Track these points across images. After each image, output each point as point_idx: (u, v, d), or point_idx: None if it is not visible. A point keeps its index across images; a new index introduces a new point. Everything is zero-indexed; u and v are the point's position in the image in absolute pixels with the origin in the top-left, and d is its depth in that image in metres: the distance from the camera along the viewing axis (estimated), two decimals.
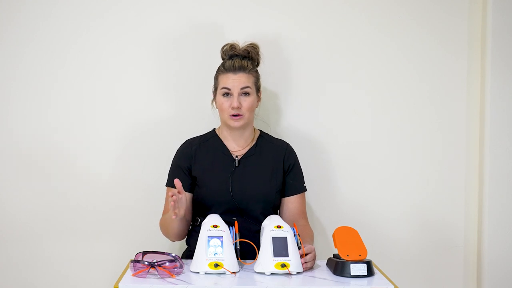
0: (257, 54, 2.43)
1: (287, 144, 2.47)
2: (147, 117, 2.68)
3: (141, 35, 2.67)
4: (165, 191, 2.41)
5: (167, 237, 2.38)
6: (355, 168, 2.71)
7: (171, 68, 2.68)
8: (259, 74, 2.41)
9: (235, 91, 2.32)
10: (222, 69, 2.37)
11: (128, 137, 2.69)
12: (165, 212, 2.39)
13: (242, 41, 2.44)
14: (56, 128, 2.68)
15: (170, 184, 2.37)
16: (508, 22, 2.61)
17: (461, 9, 2.67)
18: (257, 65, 2.44)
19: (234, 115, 2.32)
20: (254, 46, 2.42)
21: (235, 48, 2.39)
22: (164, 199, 2.42)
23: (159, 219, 2.41)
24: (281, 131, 2.69)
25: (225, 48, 2.41)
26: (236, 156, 2.39)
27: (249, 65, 2.36)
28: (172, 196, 2.07)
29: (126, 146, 2.69)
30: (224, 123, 2.40)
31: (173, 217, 2.11)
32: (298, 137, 2.66)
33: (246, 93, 2.33)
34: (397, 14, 2.68)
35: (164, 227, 2.37)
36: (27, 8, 2.65)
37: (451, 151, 2.71)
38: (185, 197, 2.13)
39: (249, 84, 2.34)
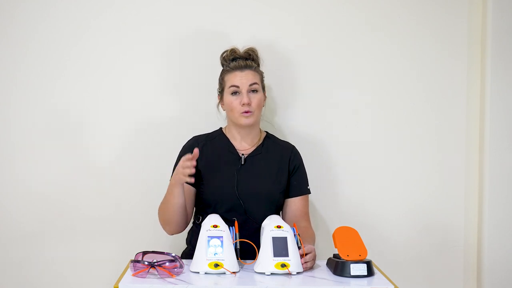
0: (258, 56, 2.44)
1: (293, 146, 2.48)
2: (148, 117, 2.68)
3: (144, 35, 2.67)
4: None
5: (165, 224, 2.33)
6: (356, 169, 2.71)
7: (174, 68, 2.68)
8: (263, 73, 2.43)
9: (244, 88, 2.33)
10: (228, 69, 2.38)
11: (129, 137, 2.68)
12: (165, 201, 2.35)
13: (243, 44, 2.44)
14: (58, 127, 2.68)
15: None
16: (508, 22, 2.61)
17: (461, 9, 2.68)
18: (258, 66, 2.46)
19: (245, 112, 2.32)
20: (254, 50, 2.43)
21: (235, 52, 2.41)
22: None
23: (158, 207, 2.37)
24: (284, 132, 2.69)
25: (225, 54, 2.42)
26: (242, 154, 2.39)
27: (253, 64, 2.39)
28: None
29: (127, 146, 2.69)
30: (233, 123, 2.39)
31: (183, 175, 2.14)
32: (300, 138, 2.66)
33: (255, 90, 2.35)
34: (397, 14, 2.68)
35: (162, 211, 2.32)
36: (30, 6, 2.65)
37: (451, 152, 2.71)
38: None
39: (257, 81, 2.36)
